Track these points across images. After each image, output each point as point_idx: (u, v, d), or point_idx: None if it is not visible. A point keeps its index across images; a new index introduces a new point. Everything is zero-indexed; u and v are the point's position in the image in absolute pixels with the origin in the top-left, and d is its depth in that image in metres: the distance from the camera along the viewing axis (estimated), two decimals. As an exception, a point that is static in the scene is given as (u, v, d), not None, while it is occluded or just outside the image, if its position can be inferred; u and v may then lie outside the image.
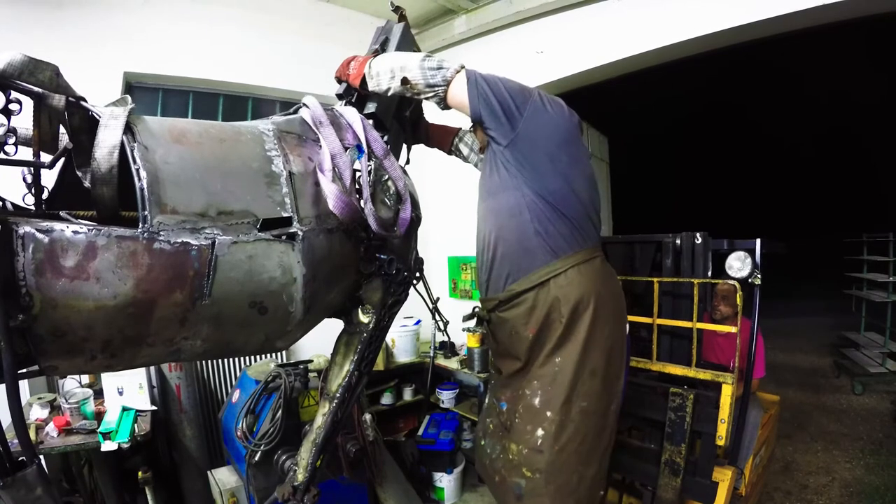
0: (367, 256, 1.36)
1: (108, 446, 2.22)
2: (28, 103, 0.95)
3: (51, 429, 2.27)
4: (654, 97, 12.21)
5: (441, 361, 3.89)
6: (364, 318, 1.43)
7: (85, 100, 1.01)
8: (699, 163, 18.76)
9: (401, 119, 1.81)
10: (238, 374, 3.50)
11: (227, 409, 2.89)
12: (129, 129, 0.96)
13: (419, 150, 2.12)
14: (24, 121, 0.97)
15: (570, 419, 1.50)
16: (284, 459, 2.26)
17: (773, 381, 5.29)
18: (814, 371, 6.13)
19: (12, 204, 1.06)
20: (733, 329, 2.20)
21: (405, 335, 3.89)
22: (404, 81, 1.48)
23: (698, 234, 2.37)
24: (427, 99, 1.55)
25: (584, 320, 1.51)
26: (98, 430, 2.28)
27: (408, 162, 1.89)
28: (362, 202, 1.28)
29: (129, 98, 1.05)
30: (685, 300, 2.36)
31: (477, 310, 1.80)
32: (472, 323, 3.39)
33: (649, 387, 2.43)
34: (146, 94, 3.45)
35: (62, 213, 1.05)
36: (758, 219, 15.99)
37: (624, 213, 5.77)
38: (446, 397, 3.82)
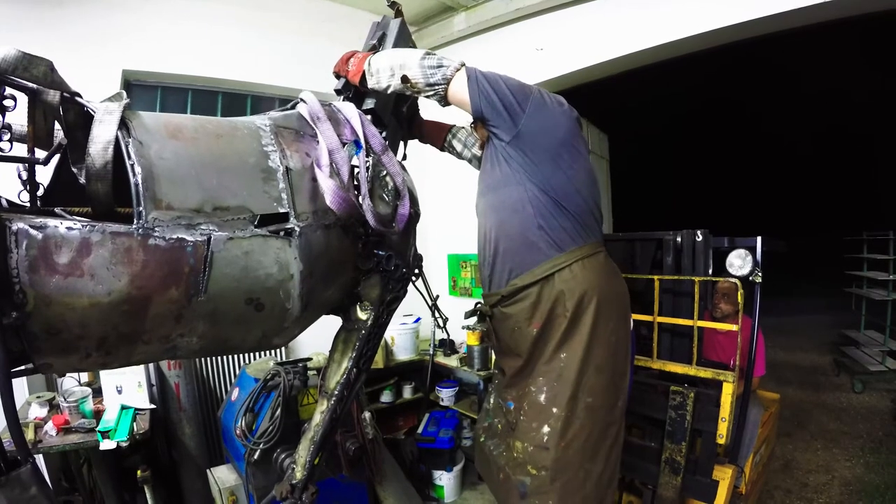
0: (365, 253, 1.35)
1: (106, 445, 2.21)
2: (22, 99, 0.95)
3: (49, 427, 2.27)
4: (654, 94, 12.23)
5: (440, 359, 3.89)
6: (362, 315, 1.42)
7: (80, 95, 1.00)
8: (699, 160, 18.79)
9: (398, 115, 1.80)
10: (237, 372, 3.49)
11: (226, 407, 2.88)
12: (123, 124, 0.95)
13: (419, 146, 2.11)
14: (18, 117, 0.97)
15: (575, 415, 1.50)
16: (284, 458, 2.26)
17: (773, 379, 5.29)
18: (814, 369, 6.12)
19: (7, 201, 1.05)
20: (734, 327, 2.20)
21: (405, 333, 3.88)
22: (405, 80, 1.47)
23: (699, 232, 2.36)
24: (428, 97, 1.54)
25: (589, 315, 1.50)
26: (97, 429, 2.27)
27: (405, 157, 1.88)
28: (360, 198, 1.27)
29: (124, 93, 1.04)
30: (686, 298, 2.36)
31: (479, 306, 1.79)
32: (473, 320, 3.38)
33: (650, 385, 2.42)
34: (145, 91, 3.44)
35: (57, 210, 1.04)
36: (757, 216, 15.99)
37: (624, 210, 5.77)
38: (446, 395, 3.81)
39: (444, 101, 1.53)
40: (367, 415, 2.57)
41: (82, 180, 1.03)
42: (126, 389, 2.54)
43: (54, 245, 0.83)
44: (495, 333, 1.73)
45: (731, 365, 2.20)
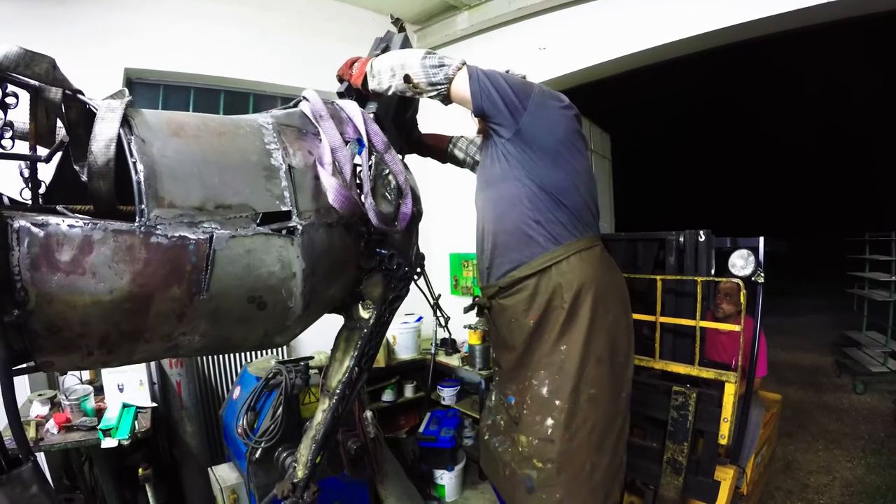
0: (368, 251, 1.35)
1: (108, 443, 2.22)
2: (25, 96, 0.94)
3: (51, 426, 2.27)
4: (656, 94, 12.23)
5: (442, 358, 3.89)
6: (364, 314, 1.42)
7: (82, 93, 1.00)
8: (701, 160, 18.77)
9: (398, 125, 1.81)
10: (239, 370, 3.49)
11: (227, 405, 2.88)
12: (126, 121, 0.95)
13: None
14: (20, 114, 0.96)
15: (579, 407, 1.50)
16: (285, 457, 2.26)
17: (774, 379, 5.28)
18: (815, 370, 6.11)
19: (9, 198, 1.05)
20: (736, 327, 2.19)
21: (406, 332, 3.88)
22: (407, 79, 1.47)
23: (702, 232, 2.36)
24: (430, 97, 1.55)
25: (587, 306, 1.51)
26: (98, 427, 2.27)
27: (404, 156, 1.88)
28: (363, 196, 1.27)
29: (126, 91, 1.04)
30: (688, 298, 2.35)
31: (477, 298, 1.81)
32: (474, 318, 3.38)
33: (652, 385, 2.41)
34: (147, 90, 3.44)
35: (59, 208, 1.03)
36: (759, 216, 15.99)
37: (627, 210, 5.76)
38: (447, 394, 3.81)
39: (447, 100, 1.54)
40: (368, 414, 2.57)
41: (84, 178, 1.03)
42: (128, 388, 2.54)
43: (56, 243, 0.83)
44: (493, 326, 1.74)
45: (733, 365, 2.20)
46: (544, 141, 1.52)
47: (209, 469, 2.75)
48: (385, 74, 1.50)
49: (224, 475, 2.63)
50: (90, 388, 2.50)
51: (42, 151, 1.09)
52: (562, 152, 1.54)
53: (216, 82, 3.68)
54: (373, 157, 1.34)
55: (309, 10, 3.90)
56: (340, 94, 1.62)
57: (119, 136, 0.92)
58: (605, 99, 5.49)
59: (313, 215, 1.15)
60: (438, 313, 2.03)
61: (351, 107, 1.35)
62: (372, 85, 1.53)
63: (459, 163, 2.06)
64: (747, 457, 2.48)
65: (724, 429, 2.14)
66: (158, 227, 0.92)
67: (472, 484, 3.59)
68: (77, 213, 0.98)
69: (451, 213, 4.12)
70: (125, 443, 2.23)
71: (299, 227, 1.11)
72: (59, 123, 1.06)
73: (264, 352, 3.46)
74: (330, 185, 1.17)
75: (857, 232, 6.01)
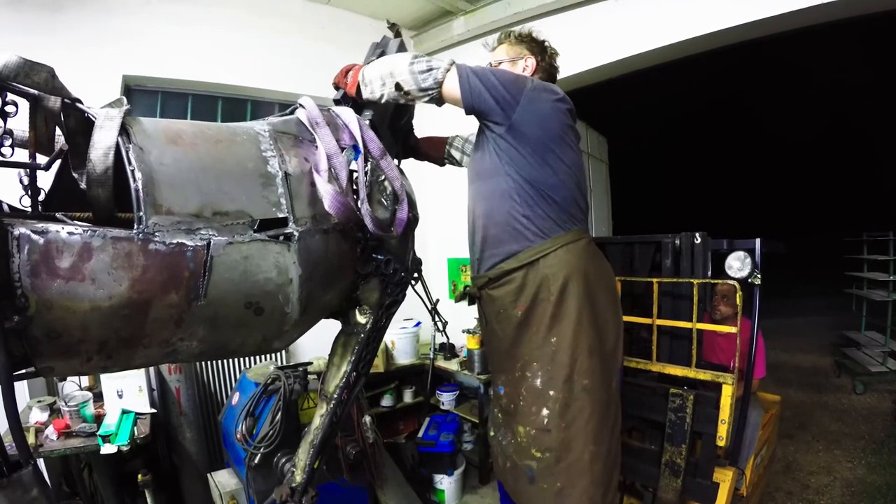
0: (364, 257, 1.36)
1: (107, 449, 2.22)
2: (24, 105, 0.95)
3: (50, 432, 2.27)
4: (651, 97, 12.25)
5: (441, 363, 3.89)
6: (361, 319, 1.43)
7: (81, 101, 1.01)
8: (697, 162, 18.81)
9: (394, 131, 1.82)
10: (237, 376, 3.49)
11: (226, 411, 2.88)
12: (124, 130, 0.96)
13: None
14: (20, 123, 0.97)
15: (573, 397, 1.52)
16: (284, 462, 2.25)
17: (773, 380, 5.28)
18: (815, 370, 6.11)
19: (8, 206, 1.06)
20: (733, 329, 2.20)
21: (405, 337, 3.89)
22: (398, 87, 1.48)
23: (697, 234, 2.37)
24: (423, 102, 1.56)
25: (573, 298, 1.53)
26: (98, 433, 2.28)
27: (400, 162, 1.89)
28: (359, 202, 1.28)
29: (124, 99, 1.05)
30: (685, 300, 2.36)
31: (468, 288, 1.83)
32: (473, 322, 3.39)
33: (649, 388, 2.42)
34: (145, 96, 3.46)
35: (58, 215, 1.05)
36: (756, 217, 16.01)
37: (623, 213, 5.77)
38: (446, 399, 3.81)
39: (440, 102, 1.55)
40: (367, 419, 2.57)
41: (83, 186, 1.04)
42: (127, 394, 2.54)
43: (56, 250, 0.84)
44: (483, 317, 1.77)
45: (730, 367, 2.20)
46: (535, 136, 1.53)
47: (208, 475, 2.74)
48: (376, 83, 1.50)
49: (223, 481, 2.63)
50: (89, 394, 2.51)
51: (41, 159, 1.10)
52: (552, 148, 1.55)
53: (214, 89, 3.70)
54: (369, 164, 1.35)
55: (306, 17, 3.93)
56: (337, 102, 1.63)
57: (117, 145, 0.93)
58: (602, 103, 5.51)
59: (310, 222, 1.16)
60: (436, 318, 2.04)
61: (347, 113, 1.36)
62: (365, 94, 1.54)
63: (458, 163, 2.06)
64: (746, 458, 2.48)
65: (722, 430, 2.14)
66: (156, 234, 0.94)
67: (472, 489, 3.58)
68: (76, 220, 1.00)
69: (448, 217, 4.12)
70: (124, 449, 2.23)
71: (296, 233, 1.12)
72: (59, 132, 1.08)
73: (263, 357, 3.47)
74: (326, 191, 1.18)
75: (854, 232, 6.03)
